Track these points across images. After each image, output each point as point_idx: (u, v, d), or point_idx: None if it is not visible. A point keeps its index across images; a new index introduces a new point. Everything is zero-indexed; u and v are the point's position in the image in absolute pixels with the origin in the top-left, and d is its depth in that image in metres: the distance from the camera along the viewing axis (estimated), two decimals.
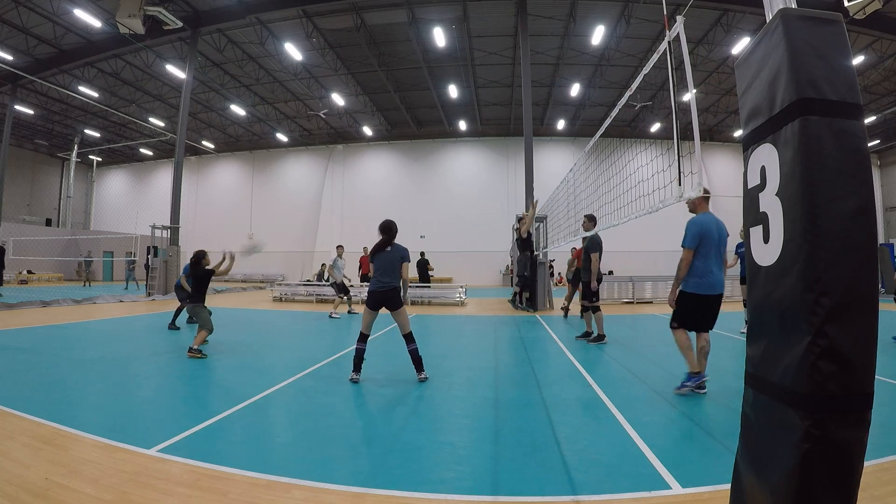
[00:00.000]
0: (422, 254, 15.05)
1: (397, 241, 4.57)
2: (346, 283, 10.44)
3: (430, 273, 14.89)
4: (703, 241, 3.78)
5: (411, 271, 14.78)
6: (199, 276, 5.90)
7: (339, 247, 10.62)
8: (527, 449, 2.79)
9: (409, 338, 4.51)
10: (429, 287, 14.09)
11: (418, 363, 4.48)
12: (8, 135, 21.40)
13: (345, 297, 10.35)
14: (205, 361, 5.22)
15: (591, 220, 6.62)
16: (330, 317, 9.91)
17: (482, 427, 3.17)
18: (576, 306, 9.61)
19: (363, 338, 4.44)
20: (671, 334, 4.01)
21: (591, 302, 6.60)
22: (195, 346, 5.41)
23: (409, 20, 15.53)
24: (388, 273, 4.45)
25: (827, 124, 1.42)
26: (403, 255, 4.52)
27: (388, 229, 4.51)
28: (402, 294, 4.53)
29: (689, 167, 3.77)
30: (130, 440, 2.82)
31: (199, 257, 6.03)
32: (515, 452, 2.73)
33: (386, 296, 4.41)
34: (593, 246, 6.48)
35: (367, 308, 4.44)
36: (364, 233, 24.80)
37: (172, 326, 7.91)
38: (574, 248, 9.15)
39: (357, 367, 4.40)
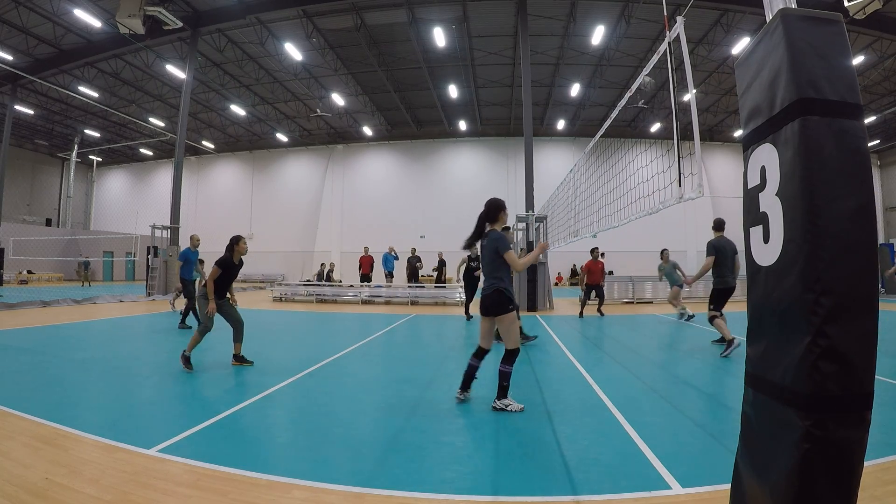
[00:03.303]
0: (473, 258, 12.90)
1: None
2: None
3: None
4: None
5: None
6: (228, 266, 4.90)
7: (201, 262, 8.41)
8: (527, 449, 2.79)
9: (506, 356, 3.53)
10: (422, 287, 14.10)
11: (501, 389, 3.53)
12: (8, 135, 21.39)
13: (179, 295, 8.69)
14: (205, 361, 5.18)
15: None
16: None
17: (482, 427, 3.17)
18: (569, 307, 9.72)
19: (480, 353, 3.70)
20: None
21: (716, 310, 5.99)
22: (188, 353, 4.74)
23: (409, 20, 15.52)
24: (488, 269, 3.64)
25: (827, 124, 1.42)
26: (496, 241, 3.59)
27: (487, 209, 3.70)
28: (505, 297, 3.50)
29: (689, 168, 3.77)
30: (130, 440, 2.82)
31: (234, 242, 4.95)
32: (515, 452, 2.73)
33: (486, 300, 3.58)
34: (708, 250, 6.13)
35: (481, 314, 3.66)
36: (364, 233, 24.94)
37: (184, 325, 7.90)
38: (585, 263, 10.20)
39: (466, 385, 3.75)
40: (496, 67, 19.10)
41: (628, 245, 22.46)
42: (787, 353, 1.45)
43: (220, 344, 5.97)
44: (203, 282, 7.13)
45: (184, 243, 16.88)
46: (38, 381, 4.29)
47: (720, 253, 5.77)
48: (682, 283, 9.44)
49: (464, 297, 13.10)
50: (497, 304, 3.51)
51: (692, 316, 9.04)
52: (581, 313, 10.31)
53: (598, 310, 10.53)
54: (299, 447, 2.87)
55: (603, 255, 10.32)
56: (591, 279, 10.18)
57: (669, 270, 9.51)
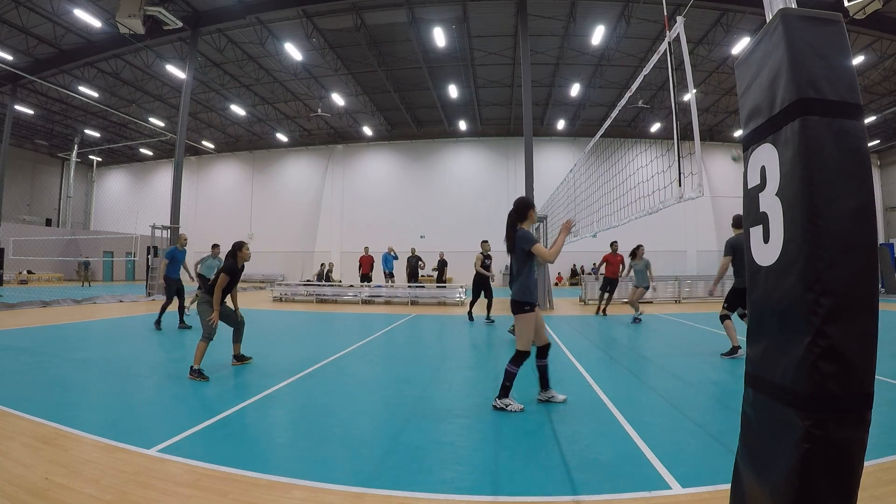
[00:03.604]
0: (488, 256, 11.13)
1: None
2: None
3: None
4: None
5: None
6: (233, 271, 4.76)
7: (216, 246, 8.65)
8: (527, 449, 2.79)
9: (514, 357, 3.53)
10: (422, 287, 14.10)
11: (503, 389, 3.54)
12: (8, 135, 21.39)
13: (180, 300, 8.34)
14: (205, 361, 5.09)
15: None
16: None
17: (482, 427, 3.17)
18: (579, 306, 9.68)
19: (538, 352, 3.70)
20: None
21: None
22: (196, 366, 4.43)
23: (409, 20, 15.52)
24: (514, 268, 3.61)
25: (827, 124, 1.42)
26: (520, 239, 3.54)
27: (515, 207, 3.64)
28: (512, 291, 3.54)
29: (689, 168, 3.77)
30: (130, 440, 2.82)
31: (238, 249, 4.82)
32: (515, 452, 2.73)
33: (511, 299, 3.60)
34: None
35: None
36: (364, 233, 24.94)
37: (183, 325, 7.85)
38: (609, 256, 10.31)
39: (544, 385, 3.75)
40: (496, 67, 19.10)
41: (628, 245, 22.44)
42: (787, 353, 1.45)
43: (219, 345, 5.97)
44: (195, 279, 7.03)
45: None
46: (38, 381, 4.29)
47: (738, 251, 5.60)
48: (648, 285, 9.19)
49: (462, 297, 13.19)
50: (513, 305, 3.55)
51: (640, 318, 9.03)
52: (598, 310, 10.42)
53: (603, 309, 10.49)
54: (299, 447, 2.87)
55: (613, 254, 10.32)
56: (609, 271, 10.25)
57: (641, 269, 9.15)
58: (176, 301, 8.02)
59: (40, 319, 8.97)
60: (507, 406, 3.49)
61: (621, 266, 10.30)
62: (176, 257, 7.97)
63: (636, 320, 8.96)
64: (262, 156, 29.48)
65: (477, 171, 26.69)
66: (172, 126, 22.64)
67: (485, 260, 8.98)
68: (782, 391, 1.46)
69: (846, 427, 1.35)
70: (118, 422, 3.20)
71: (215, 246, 8.67)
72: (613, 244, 10.40)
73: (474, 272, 8.91)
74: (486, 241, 9.13)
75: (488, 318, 9.01)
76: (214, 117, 25.11)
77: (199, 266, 8.45)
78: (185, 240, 8.38)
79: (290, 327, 8.83)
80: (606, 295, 10.44)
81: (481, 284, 9.00)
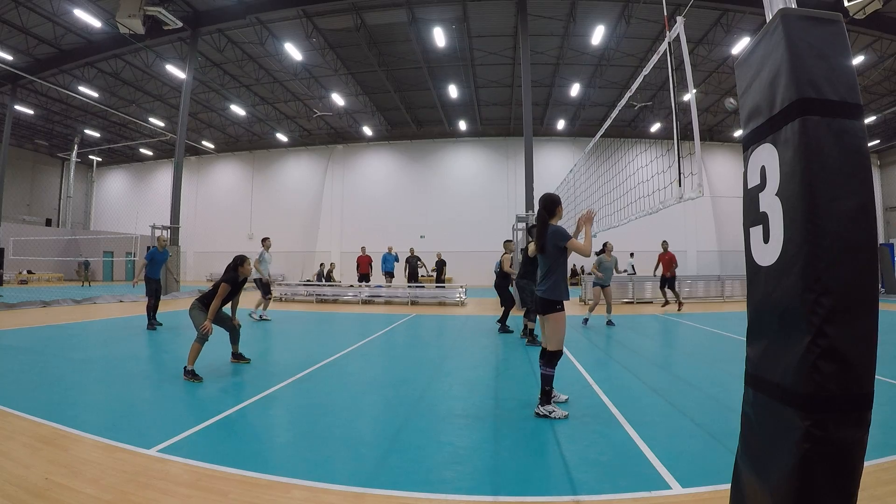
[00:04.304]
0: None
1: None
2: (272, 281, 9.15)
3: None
4: None
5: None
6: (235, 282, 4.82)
7: (266, 239, 9.15)
8: (527, 449, 2.79)
9: (546, 357, 3.38)
10: (422, 287, 14.09)
11: (544, 394, 3.37)
12: (8, 135, 21.38)
13: (269, 297, 9.25)
14: (205, 361, 5.07)
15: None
16: (251, 316, 8.92)
17: (482, 427, 3.17)
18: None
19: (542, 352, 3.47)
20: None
21: None
22: (190, 367, 4.44)
23: (409, 20, 15.52)
24: (547, 267, 3.50)
25: (827, 124, 1.42)
26: (554, 235, 3.45)
27: (543, 204, 3.56)
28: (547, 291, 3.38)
29: (689, 168, 3.77)
30: (130, 440, 2.82)
31: (240, 263, 4.85)
32: (515, 452, 2.73)
33: (540, 299, 3.48)
34: None
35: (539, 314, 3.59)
36: (364, 233, 24.95)
37: (153, 326, 7.87)
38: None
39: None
40: (496, 67, 19.09)
41: (628, 245, 22.45)
42: (787, 353, 1.45)
43: (218, 345, 5.96)
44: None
45: (184, 243, 16.87)
46: (38, 381, 4.29)
47: None
48: (608, 283, 8.67)
49: (462, 297, 13.15)
50: (543, 304, 3.42)
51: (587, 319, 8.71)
52: (676, 305, 11.14)
53: (679, 304, 11.13)
54: (299, 447, 2.87)
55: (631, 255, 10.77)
56: (665, 269, 10.92)
57: (610, 266, 8.53)
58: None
59: (40, 319, 8.97)
60: (550, 413, 3.29)
61: (670, 264, 10.84)
62: (155, 258, 8.06)
63: (586, 321, 8.52)
64: (262, 156, 29.47)
65: (477, 171, 26.68)
66: (172, 126, 22.63)
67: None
68: (782, 391, 1.46)
69: (846, 427, 1.35)
70: (118, 422, 3.20)
71: (265, 239, 9.14)
72: (664, 243, 10.96)
73: (496, 278, 8.03)
74: (511, 241, 8.60)
75: (505, 325, 7.84)
76: (214, 117, 25.10)
77: (260, 266, 8.87)
78: (165, 241, 8.66)
79: (290, 327, 8.82)
80: (669, 292, 11.09)
81: (507, 289, 8.06)
